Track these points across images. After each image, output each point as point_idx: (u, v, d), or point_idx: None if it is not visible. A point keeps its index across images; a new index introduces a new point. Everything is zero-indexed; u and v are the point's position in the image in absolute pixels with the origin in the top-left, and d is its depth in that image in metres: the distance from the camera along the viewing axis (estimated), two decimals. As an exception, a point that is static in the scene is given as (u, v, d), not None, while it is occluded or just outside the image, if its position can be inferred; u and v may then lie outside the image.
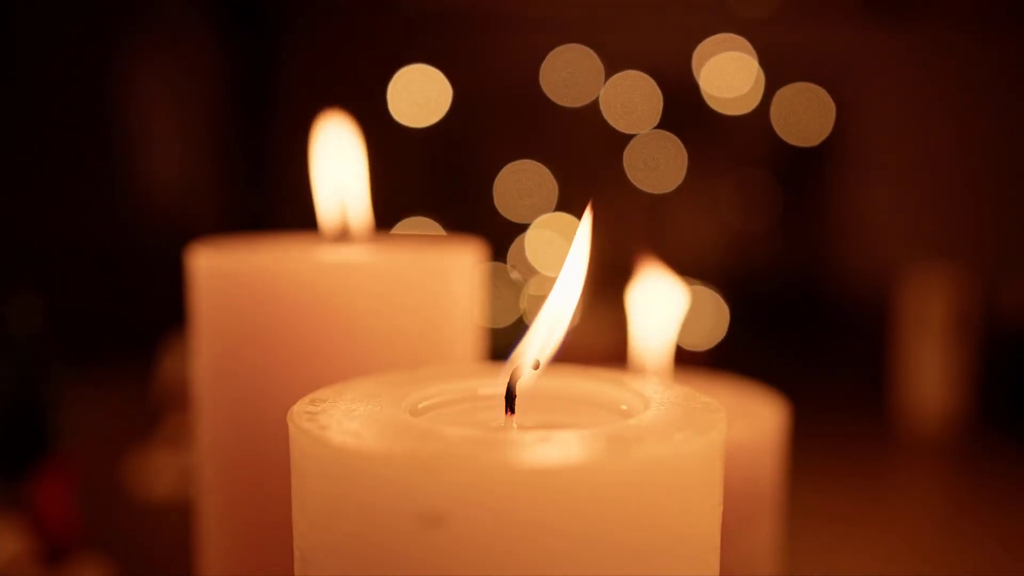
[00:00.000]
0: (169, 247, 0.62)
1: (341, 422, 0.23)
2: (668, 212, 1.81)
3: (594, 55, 1.76)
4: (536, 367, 0.26)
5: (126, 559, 0.60)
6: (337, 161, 0.40)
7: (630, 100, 1.76)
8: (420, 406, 0.26)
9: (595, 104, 1.77)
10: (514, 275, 1.64)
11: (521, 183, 1.76)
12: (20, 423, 0.58)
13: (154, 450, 0.79)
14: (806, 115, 1.76)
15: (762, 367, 0.70)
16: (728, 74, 1.75)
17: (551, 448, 0.21)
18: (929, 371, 1.12)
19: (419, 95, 1.78)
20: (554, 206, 1.73)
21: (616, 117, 1.78)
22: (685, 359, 0.42)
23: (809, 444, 0.66)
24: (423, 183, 1.84)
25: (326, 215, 0.40)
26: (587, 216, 0.27)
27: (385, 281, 0.35)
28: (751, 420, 0.38)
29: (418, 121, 1.79)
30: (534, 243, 1.71)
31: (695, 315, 1.72)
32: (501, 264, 1.63)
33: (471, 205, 1.82)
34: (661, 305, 0.39)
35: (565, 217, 1.74)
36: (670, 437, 0.22)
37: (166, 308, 0.74)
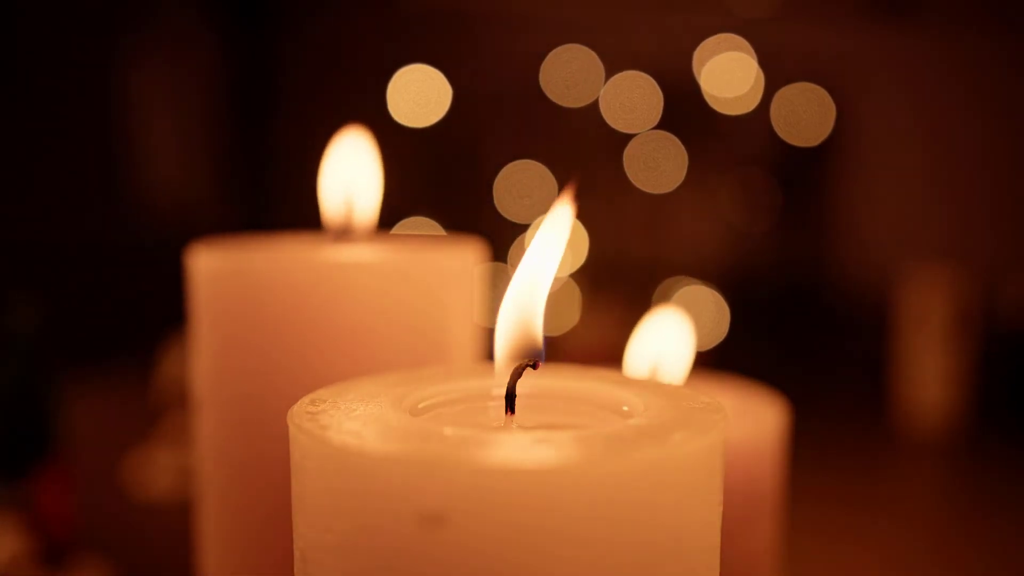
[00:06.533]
0: (169, 247, 0.62)
1: (341, 422, 0.23)
2: (668, 212, 1.81)
3: (594, 55, 1.76)
4: (535, 365, 0.26)
5: (126, 559, 0.60)
6: (349, 163, 0.40)
7: (630, 100, 1.76)
8: (420, 406, 0.26)
9: (595, 104, 1.77)
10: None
11: (521, 183, 1.76)
12: (20, 423, 0.58)
13: (154, 450, 0.79)
14: (806, 115, 1.76)
15: (762, 367, 0.70)
16: (728, 74, 1.75)
17: (551, 448, 0.21)
18: (929, 371, 1.12)
19: (419, 95, 1.78)
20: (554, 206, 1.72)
21: (616, 117, 1.77)
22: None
23: (809, 444, 0.66)
24: (423, 183, 1.84)
25: (331, 214, 0.40)
26: (566, 202, 0.26)
27: (385, 281, 0.35)
28: (751, 420, 0.38)
29: (418, 121, 1.79)
30: (534, 243, 1.71)
31: (695, 315, 1.71)
32: (501, 264, 1.63)
33: (471, 205, 1.82)
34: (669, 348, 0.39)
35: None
36: (670, 437, 0.22)
37: (166, 308, 0.74)
